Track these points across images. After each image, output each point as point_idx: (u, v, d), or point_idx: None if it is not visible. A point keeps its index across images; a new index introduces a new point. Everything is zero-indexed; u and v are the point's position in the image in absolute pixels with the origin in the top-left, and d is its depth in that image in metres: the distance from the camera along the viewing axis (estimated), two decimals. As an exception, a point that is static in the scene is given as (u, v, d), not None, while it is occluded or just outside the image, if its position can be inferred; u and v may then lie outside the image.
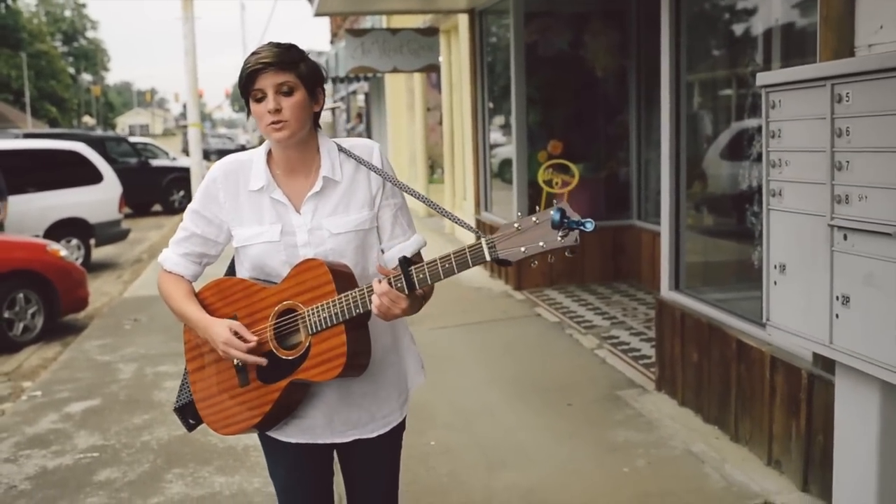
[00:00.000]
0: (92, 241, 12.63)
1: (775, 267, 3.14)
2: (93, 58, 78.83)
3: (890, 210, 2.55)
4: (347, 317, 2.24)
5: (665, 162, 5.41)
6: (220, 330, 2.35)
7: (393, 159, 19.83)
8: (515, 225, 2.13)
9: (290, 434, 2.49)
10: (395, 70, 12.96)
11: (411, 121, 18.09)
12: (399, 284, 2.19)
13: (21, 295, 8.36)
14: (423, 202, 2.43)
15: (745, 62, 5.29)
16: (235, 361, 2.38)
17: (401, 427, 2.61)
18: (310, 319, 2.28)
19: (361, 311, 2.23)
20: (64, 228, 12.02)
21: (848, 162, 2.72)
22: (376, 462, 2.58)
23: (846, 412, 2.94)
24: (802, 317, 3.00)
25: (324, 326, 2.26)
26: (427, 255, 2.35)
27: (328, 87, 19.65)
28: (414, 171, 18.31)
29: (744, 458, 4.50)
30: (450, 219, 2.41)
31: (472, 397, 5.78)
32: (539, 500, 4.21)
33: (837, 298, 2.80)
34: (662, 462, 4.56)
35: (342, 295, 2.25)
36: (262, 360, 2.33)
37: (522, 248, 2.11)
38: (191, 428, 2.63)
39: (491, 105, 10.74)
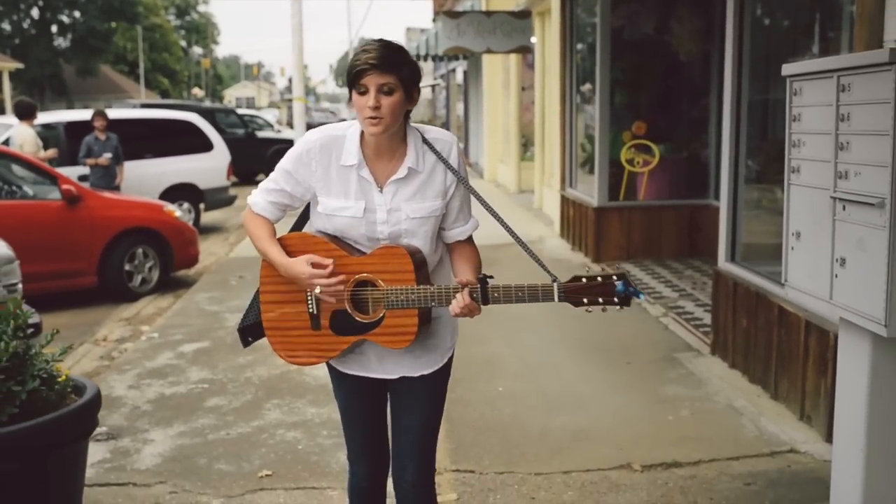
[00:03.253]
0: (202, 206, 13.57)
1: (793, 234, 3.59)
2: (203, 31, 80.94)
3: (878, 184, 2.99)
4: (424, 306, 2.60)
5: (725, 143, 5.83)
6: (302, 267, 2.62)
7: (487, 137, 20.38)
8: (583, 280, 2.53)
9: (349, 366, 2.81)
10: (488, 51, 13.50)
11: (506, 99, 18.56)
12: (476, 297, 2.56)
13: (140, 250, 9.23)
14: (487, 209, 2.70)
15: (803, 51, 5.67)
16: (310, 308, 2.69)
17: (444, 373, 2.88)
18: (388, 298, 2.59)
19: (437, 305, 2.61)
20: (177, 193, 12.89)
21: (848, 142, 3.16)
22: (418, 398, 2.84)
23: (844, 360, 3.39)
24: (811, 277, 3.45)
25: (401, 307, 2.59)
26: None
27: (429, 64, 20.29)
28: (507, 148, 18.80)
29: (779, 414, 4.95)
30: (531, 255, 2.76)
31: (540, 353, 6.34)
32: (587, 437, 4.76)
33: (837, 261, 3.25)
34: (704, 413, 5.05)
35: (424, 288, 2.58)
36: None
37: (584, 300, 2.53)
38: (247, 344, 2.93)
39: (589, 87, 11.18)
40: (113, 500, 4.17)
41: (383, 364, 2.78)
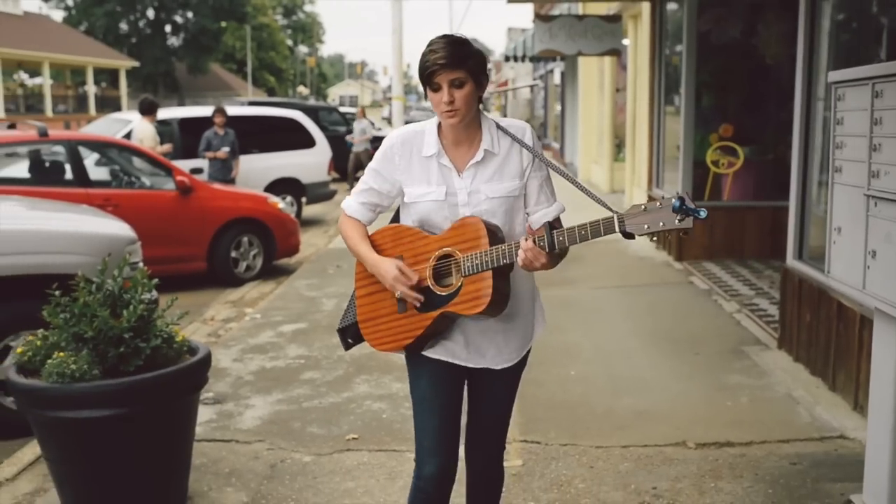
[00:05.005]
0: (303, 199, 14.25)
1: (835, 230, 3.90)
2: (309, 30, 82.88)
3: (903, 183, 3.30)
4: (495, 265, 2.67)
5: (794, 146, 6.10)
6: (388, 267, 2.80)
7: (582, 138, 20.65)
8: (642, 206, 2.49)
9: (435, 351, 2.90)
10: (579, 53, 13.84)
11: (601, 101, 18.82)
12: (542, 244, 2.61)
13: (246, 239, 9.90)
14: (565, 177, 2.86)
15: (871, 58, 5.88)
16: (397, 293, 2.84)
17: (521, 366, 3.02)
18: (464, 264, 2.71)
19: (508, 261, 2.66)
20: (280, 186, 13.50)
21: (880, 144, 3.47)
22: (496, 390, 3.02)
23: (877, 346, 3.69)
24: (848, 269, 3.76)
25: (475, 271, 2.69)
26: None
27: (528, 64, 20.62)
28: (601, 149, 19.05)
29: (835, 404, 5.21)
30: (589, 195, 2.78)
31: (613, 342, 6.70)
32: (648, 417, 5.11)
33: (869, 253, 3.56)
34: (762, 401, 5.34)
35: (493, 247, 2.68)
36: (420, 298, 2.78)
37: (645, 225, 2.45)
38: (348, 347, 3.13)
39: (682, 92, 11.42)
40: (218, 454, 4.72)
41: (469, 352, 2.89)
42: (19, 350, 3.90)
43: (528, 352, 3.03)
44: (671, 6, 10.99)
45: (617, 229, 2.50)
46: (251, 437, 4.96)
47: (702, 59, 9.77)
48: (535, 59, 21.57)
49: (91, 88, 45.75)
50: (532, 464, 4.50)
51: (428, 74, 2.70)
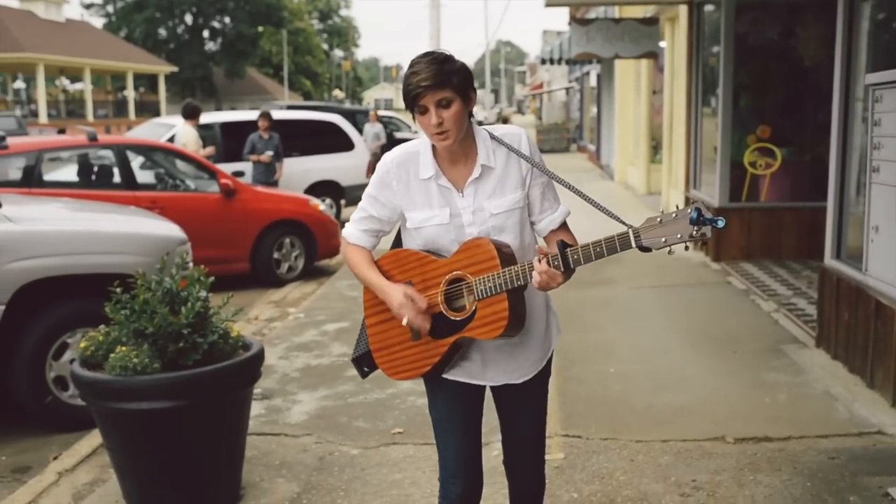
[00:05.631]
0: (342, 202, 14.44)
1: (872, 228, 3.98)
2: (345, 34, 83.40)
3: (939, 182, 3.39)
4: (510, 287, 2.60)
5: (833, 147, 6.15)
6: (395, 293, 2.72)
7: (618, 140, 20.68)
8: (658, 219, 2.42)
9: (453, 373, 2.84)
10: (616, 56, 13.93)
11: (637, 103, 18.84)
12: (556, 263, 2.54)
13: (288, 240, 10.10)
14: (568, 188, 2.71)
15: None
16: (403, 321, 2.72)
17: (544, 374, 2.96)
18: (477, 288, 2.64)
19: (522, 283, 2.59)
20: (320, 189, 13.67)
21: (917, 146, 3.56)
22: (523, 402, 2.94)
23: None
24: (886, 266, 3.84)
25: (490, 294, 2.62)
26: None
27: (564, 66, 20.66)
28: (637, 151, 19.07)
29: (873, 400, 5.27)
30: (598, 208, 2.66)
31: (651, 341, 6.79)
32: (687, 413, 5.21)
33: (906, 251, 3.65)
34: (800, 398, 5.41)
35: (506, 269, 2.60)
36: (427, 325, 2.71)
37: (663, 239, 2.39)
38: (364, 375, 3.05)
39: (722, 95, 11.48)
40: (268, 447, 4.89)
41: (487, 371, 2.84)
42: (82, 345, 4.09)
43: (550, 360, 2.97)
44: (708, 8, 11.04)
45: (633, 245, 2.44)
46: (299, 430, 5.12)
47: (739, 61, 9.81)
48: (572, 62, 21.66)
49: (130, 93, 46.49)
50: (573, 457, 4.61)
51: (412, 98, 2.60)
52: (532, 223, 2.81)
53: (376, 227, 2.88)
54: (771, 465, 4.44)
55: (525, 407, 2.94)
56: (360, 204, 2.88)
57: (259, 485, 4.40)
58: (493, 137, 2.75)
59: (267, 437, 5.03)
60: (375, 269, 2.83)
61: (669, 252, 2.43)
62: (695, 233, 2.34)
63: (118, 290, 4.00)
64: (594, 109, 28.16)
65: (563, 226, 2.83)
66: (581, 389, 5.66)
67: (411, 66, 2.62)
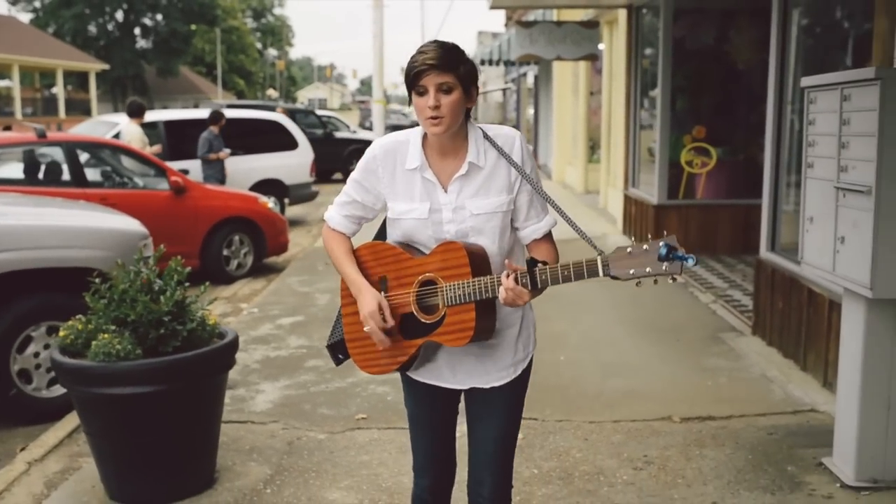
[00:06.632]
0: (286, 200, 14.53)
1: (807, 219, 4.31)
2: (278, 34, 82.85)
3: (867, 175, 3.72)
4: (478, 298, 2.55)
5: (767, 146, 6.54)
6: (369, 300, 2.66)
7: (557, 140, 21.11)
8: (628, 249, 2.38)
9: (420, 374, 2.81)
10: (558, 58, 14.31)
11: (575, 104, 19.28)
12: (524, 281, 2.49)
13: (237, 237, 10.21)
14: (552, 205, 2.69)
15: (837, 64, 6.34)
16: (366, 327, 2.67)
17: (519, 384, 2.85)
18: (446, 294, 2.58)
19: (490, 296, 2.54)
20: (264, 187, 13.62)
21: (848, 142, 3.89)
22: (491, 409, 2.81)
23: (846, 322, 4.12)
24: (819, 254, 4.18)
25: (458, 302, 2.57)
26: (563, 231, 2.74)
27: (501, 68, 20.96)
28: (575, 151, 19.51)
29: (805, 381, 5.65)
30: (574, 229, 2.59)
31: (599, 331, 7.11)
32: (636, 396, 5.52)
33: (838, 239, 3.98)
34: (739, 381, 5.77)
35: (476, 279, 2.54)
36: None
37: (631, 271, 2.36)
38: (338, 362, 2.95)
39: (659, 95, 11.89)
40: (237, 433, 5.05)
41: (455, 374, 2.79)
42: (62, 333, 4.22)
43: (527, 371, 2.88)
44: (647, 13, 11.45)
45: (601, 273, 2.41)
46: (266, 418, 5.29)
47: (676, 64, 10.23)
48: (510, 63, 22.04)
49: (60, 91, 45.62)
50: (532, 437, 4.87)
51: (414, 75, 2.54)
52: (515, 229, 2.76)
53: (359, 214, 2.83)
54: (715, 441, 4.77)
55: (493, 413, 2.82)
56: (345, 188, 2.84)
57: (232, 468, 4.57)
58: (486, 137, 2.69)
59: (235, 424, 5.19)
60: (353, 260, 2.78)
61: (637, 284, 2.40)
62: (664, 269, 2.32)
63: (97, 280, 4.15)
64: (531, 110, 28.62)
65: (547, 236, 2.78)
66: (533, 378, 5.83)
67: (419, 49, 2.59)
